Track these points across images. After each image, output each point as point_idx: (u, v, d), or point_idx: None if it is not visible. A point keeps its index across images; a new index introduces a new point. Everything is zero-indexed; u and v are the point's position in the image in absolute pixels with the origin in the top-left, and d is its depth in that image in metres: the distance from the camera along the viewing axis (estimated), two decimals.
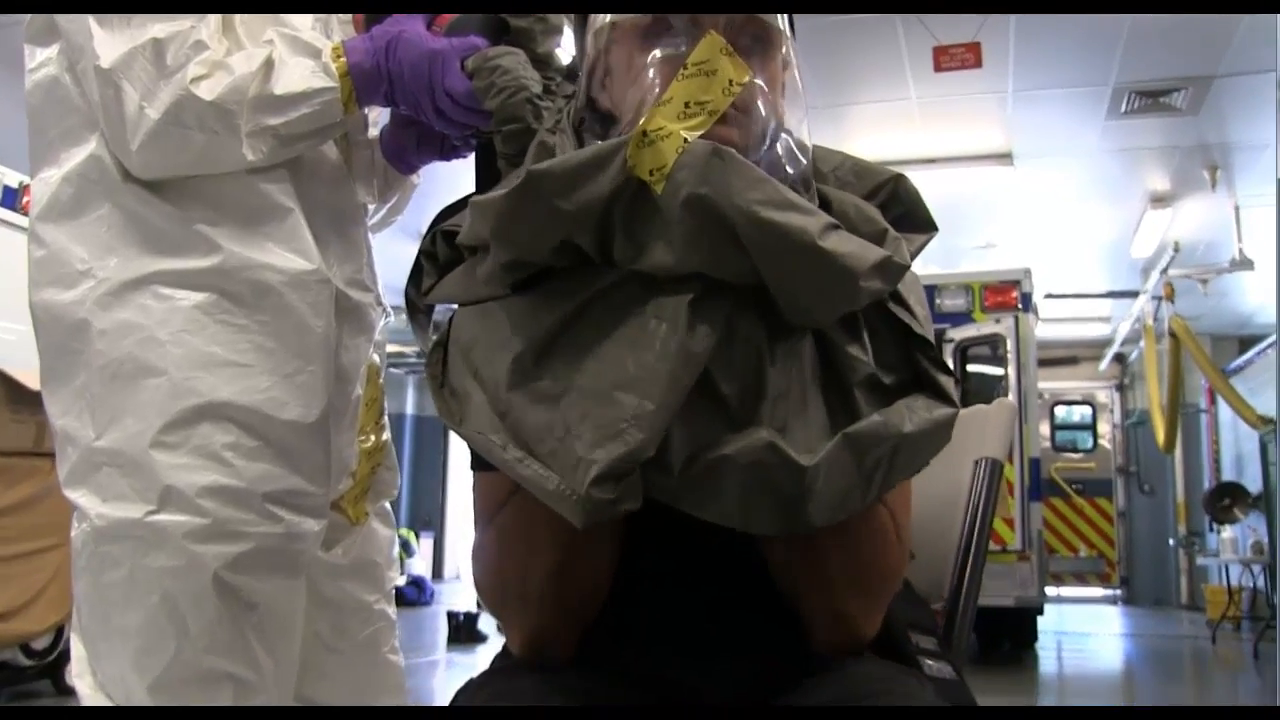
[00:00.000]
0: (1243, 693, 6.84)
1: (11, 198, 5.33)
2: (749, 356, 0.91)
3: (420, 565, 11.63)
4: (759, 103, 1.00)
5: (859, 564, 1.01)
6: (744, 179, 0.86)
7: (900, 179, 1.06)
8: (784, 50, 1.06)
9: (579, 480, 0.85)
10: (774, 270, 0.88)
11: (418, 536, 12.00)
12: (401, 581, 10.42)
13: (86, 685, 1.35)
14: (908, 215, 1.04)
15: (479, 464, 1.05)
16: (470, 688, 1.05)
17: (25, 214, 5.27)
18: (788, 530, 0.90)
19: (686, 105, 0.89)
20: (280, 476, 1.36)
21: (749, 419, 0.90)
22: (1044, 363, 11.45)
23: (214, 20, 1.35)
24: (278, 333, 1.38)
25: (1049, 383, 12.46)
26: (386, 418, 1.68)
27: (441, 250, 1.10)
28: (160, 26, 1.30)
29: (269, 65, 1.34)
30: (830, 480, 0.89)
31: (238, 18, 1.40)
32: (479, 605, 9.24)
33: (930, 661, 1.10)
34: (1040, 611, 7.33)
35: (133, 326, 1.33)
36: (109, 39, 1.29)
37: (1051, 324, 11.33)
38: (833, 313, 0.94)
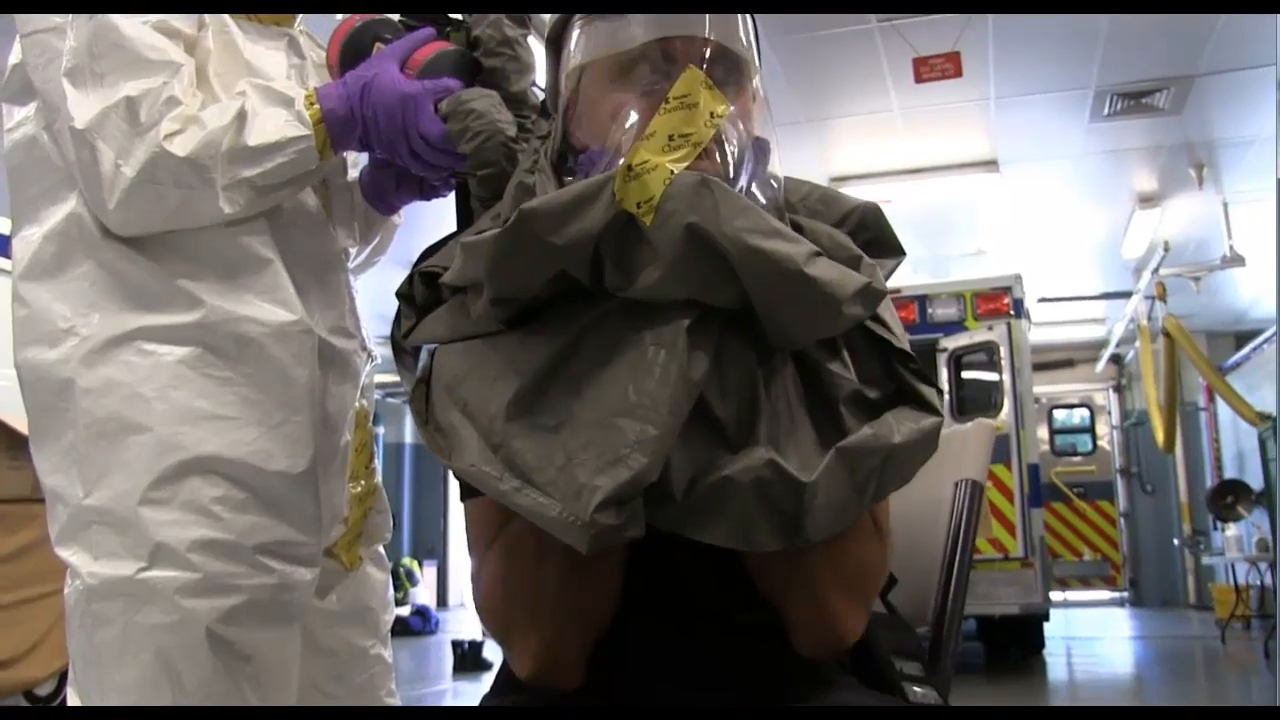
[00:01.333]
0: (1255, 692, 6.82)
1: (3, 244, 5.35)
2: (742, 379, 0.93)
3: (424, 594, 11.60)
4: (735, 134, 1.02)
5: (844, 565, 1.01)
6: (731, 207, 0.89)
7: (867, 205, 1.08)
8: (754, 82, 1.08)
9: (582, 506, 0.85)
10: (762, 296, 0.90)
11: (421, 565, 11.96)
12: (406, 611, 10.38)
13: None
14: (876, 241, 1.06)
15: (469, 493, 1.05)
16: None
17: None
18: (788, 545, 0.91)
19: (670, 138, 0.91)
20: (270, 527, 1.36)
21: (745, 440, 0.92)
22: (1040, 366, 11.47)
23: (187, 73, 1.36)
24: (262, 384, 1.38)
25: (1046, 386, 12.47)
26: (378, 461, 1.68)
27: (419, 292, 1.10)
28: (133, 84, 1.30)
29: (242, 117, 1.34)
30: (827, 494, 0.91)
31: (211, 69, 1.41)
32: (484, 633, 9.23)
33: (916, 688, 1.09)
34: (1046, 617, 7.32)
35: (117, 384, 1.34)
36: (82, 99, 1.30)
37: (1045, 328, 11.35)
38: (813, 336, 0.96)
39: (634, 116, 1.00)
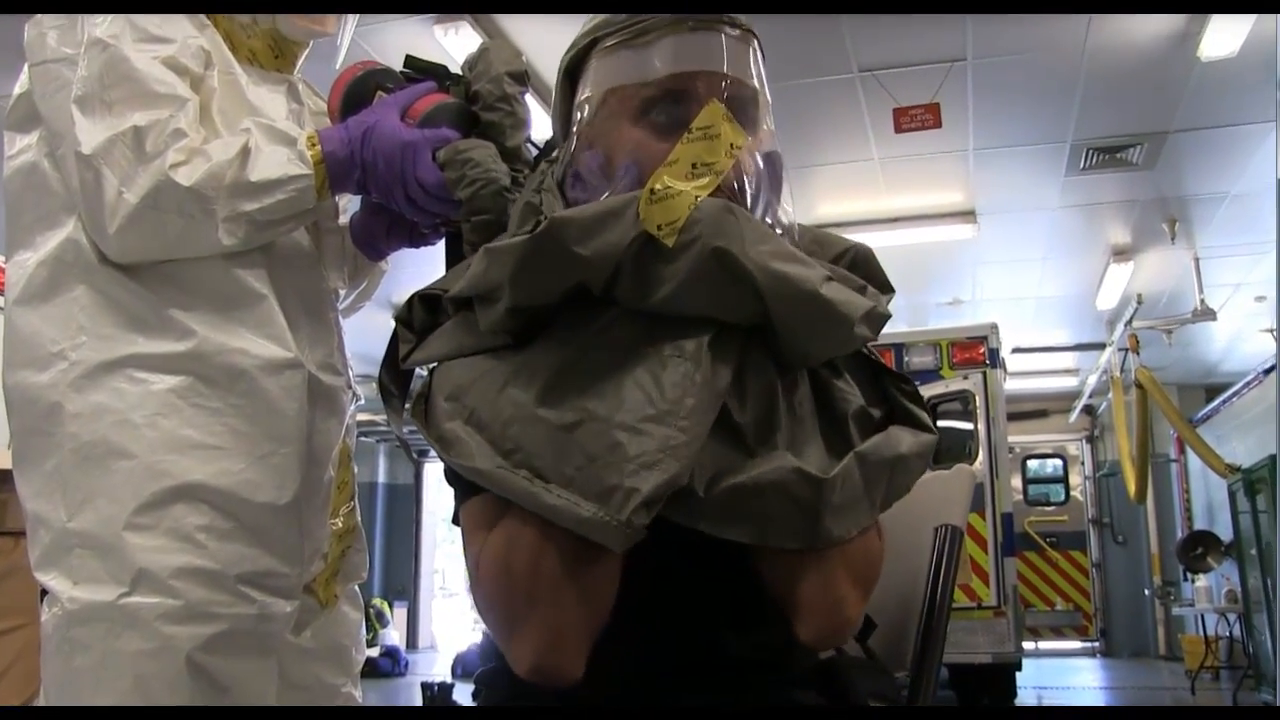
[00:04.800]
0: None
1: None
2: (762, 390, 1.00)
3: (394, 635, 11.47)
4: (752, 165, 1.08)
5: (853, 556, 1.05)
6: (755, 233, 0.96)
7: (859, 247, 1.14)
8: (767, 122, 1.14)
9: (616, 506, 0.90)
10: (783, 315, 0.97)
11: (391, 606, 11.84)
12: (375, 652, 10.26)
13: None
14: (868, 279, 1.10)
15: (467, 493, 1.05)
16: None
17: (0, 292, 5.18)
18: (807, 545, 0.98)
19: (693, 166, 0.98)
20: (253, 558, 1.36)
21: (764, 445, 0.98)
22: (1014, 416, 11.49)
23: (192, 108, 1.38)
24: (251, 416, 1.39)
25: (1019, 436, 12.51)
26: (356, 500, 1.68)
27: (419, 317, 1.13)
28: (140, 115, 1.33)
29: (246, 152, 1.36)
30: (843, 495, 0.98)
31: (215, 107, 1.43)
32: (454, 673, 9.13)
33: None
34: (1018, 667, 7.30)
35: (106, 409, 1.34)
36: (90, 126, 1.32)
37: (1020, 378, 11.42)
38: (827, 354, 1.04)
39: (654, 144, 1.06)
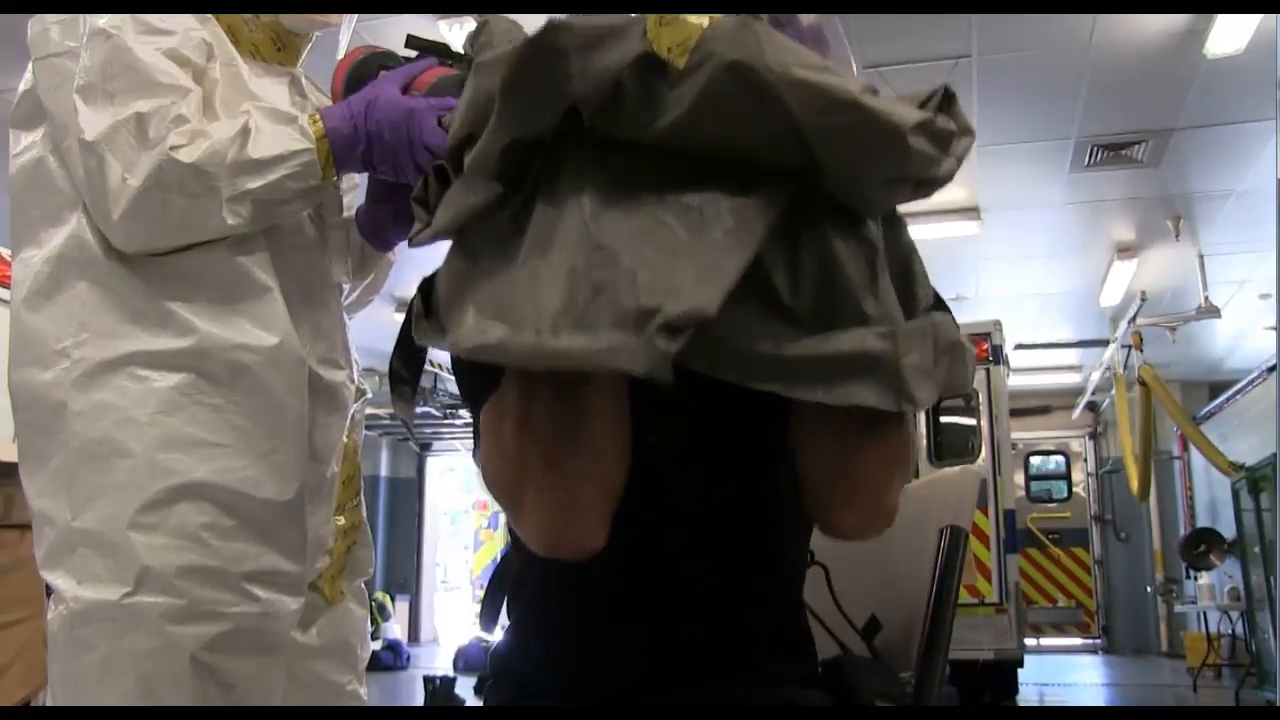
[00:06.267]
0: None
1: None
2: (819, 264, 0.88)
3: (396, 629, 11.49)
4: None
5: (888, 445, 1.00)
6: (776, 46, 0.83)
7: (946, 88, 0.98)
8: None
9: (633, 327, 0.79)
10: (819, 135, 0.84)
11: (393, 600, 11.86)
12: (377, 646, 10.28)
13: None
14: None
15: (479, 392, 0.99)
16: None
17: (4, 286, 5.30)
18: (894, 405, 0.87)
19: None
20: (257, 555, 1.36)
21: (828, 328, 0.88)
22: (1016, 413, 11.45)
23: (195, 98, 1.38)
24: (253, 412, 1.38)
25: (1022, 433, 12.49)
26: (362, 495, 1.68)
27: (434, 194, 1.02)
28: (143, 102, 1.33)
29: (246, 131, 1.36)
30: (920, 358, 0.88)
31: (218, 96, 1.43)
32: (456, 667, 9.14)
33: None
34: (1020, 664, 7.30)
35: (110, 407, 1.34)
36: (93, 114, 1.32)
37: (1023, 374, 11.40)
38: (884, 185, 0.90)
39: None
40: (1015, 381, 10.37)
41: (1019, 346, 10.64)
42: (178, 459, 1.34)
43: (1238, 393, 8.86)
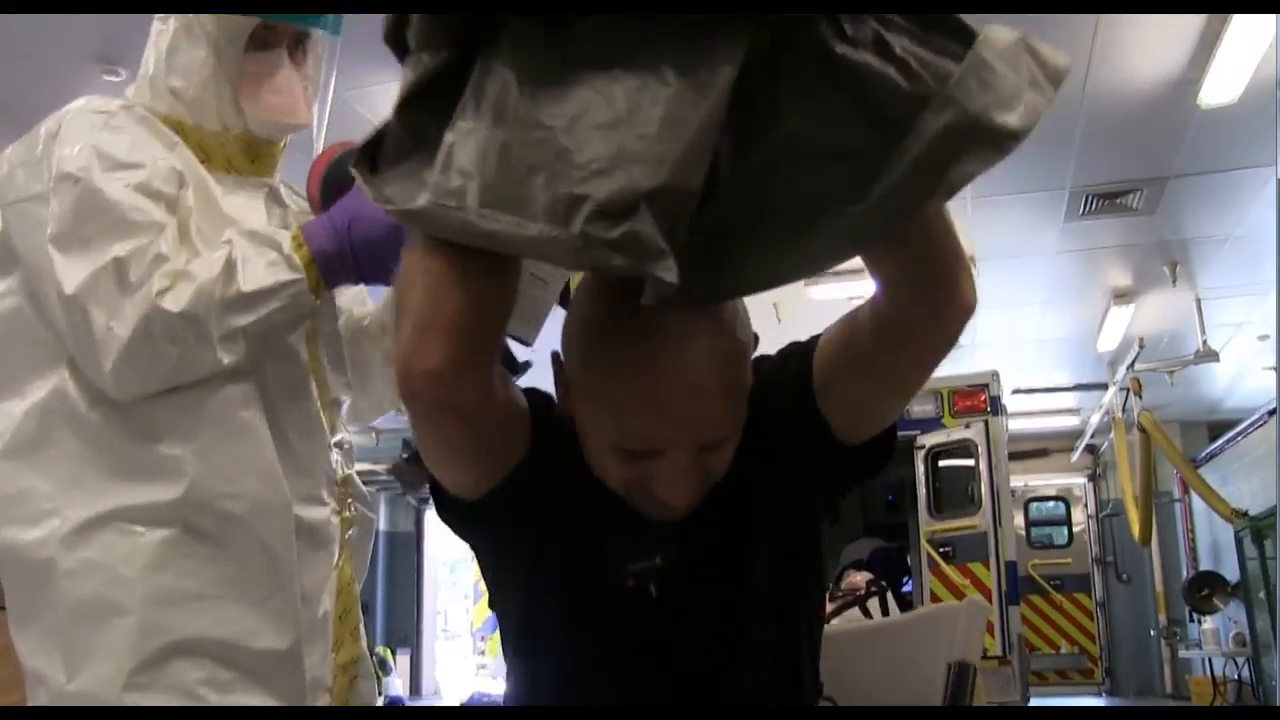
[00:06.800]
0: None
1: None
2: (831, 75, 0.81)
3: (398, 684, 11.40)
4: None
5: (947, 233, 0.99)
6: None
7: None
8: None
9: (561, 217, 0.77)
10: None
11: (394, 654, 11.76)
12: (380, 703, 10.16)
13: None
14: None
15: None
16: None
17: None
18: (996, 154, 0.83)
19: None
20: (257, 706, 1.33)
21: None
22: (1015, 456, 11.38)
23: (171, 231, 1.34)
24: (245, 560, 1.36)
25: (1021, 477, 12.46)
26: (362, 626, 1.62)
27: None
28: (120, 245, 1.29)
29: (231, 265, 1.32)
30: (983, 94, 0.82)
31: (194, 225, 1.39)
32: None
33: None
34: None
35: (99, 565, 1.31)
36: (70, 265, 1.28)
37: (1021, 418, 11.38)
38: None
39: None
40: (1013, 425, 10.35)
41: (1016, 391, 10.61)
42: (170, 615, 1.31)
43: (1238, 435, 8.82)
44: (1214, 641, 8.79)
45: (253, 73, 1.45)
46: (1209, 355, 7.97)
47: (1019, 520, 9.54)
